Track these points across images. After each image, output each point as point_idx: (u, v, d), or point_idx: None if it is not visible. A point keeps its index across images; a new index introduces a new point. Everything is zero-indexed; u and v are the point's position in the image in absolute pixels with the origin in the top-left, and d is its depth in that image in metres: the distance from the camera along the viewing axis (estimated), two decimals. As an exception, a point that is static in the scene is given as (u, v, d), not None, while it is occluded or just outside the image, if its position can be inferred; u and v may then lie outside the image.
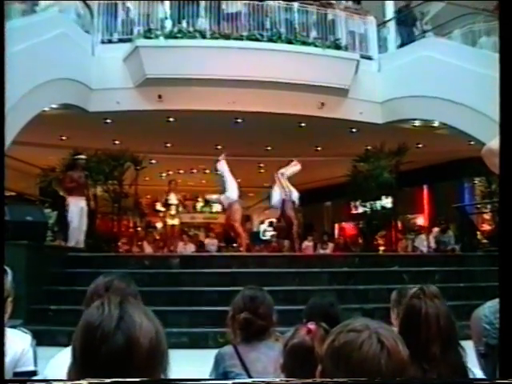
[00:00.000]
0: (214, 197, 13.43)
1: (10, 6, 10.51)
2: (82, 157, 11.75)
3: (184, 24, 12.81)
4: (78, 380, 1.13)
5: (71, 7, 12.54)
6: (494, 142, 2.04)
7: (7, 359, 2.14)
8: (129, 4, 13.22)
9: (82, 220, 11.02)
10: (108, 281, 2.55)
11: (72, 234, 10.88)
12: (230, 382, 2.65)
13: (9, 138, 9.13)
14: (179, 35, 12.38)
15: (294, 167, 12.77)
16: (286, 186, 12.31)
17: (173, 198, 13.47)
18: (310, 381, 1.38)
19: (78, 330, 1.19)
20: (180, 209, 13.79)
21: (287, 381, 1.94)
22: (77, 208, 10.98)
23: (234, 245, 13.41)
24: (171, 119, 13.51)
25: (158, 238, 16.62)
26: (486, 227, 15.11)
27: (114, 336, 1.14)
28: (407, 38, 13.97)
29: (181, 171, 19.23)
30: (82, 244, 10.92)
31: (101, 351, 1.12)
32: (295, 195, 12.40)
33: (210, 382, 2.08)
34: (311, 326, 2.11)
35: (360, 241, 16.45)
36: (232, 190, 11.88)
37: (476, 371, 2.17)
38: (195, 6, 13.04)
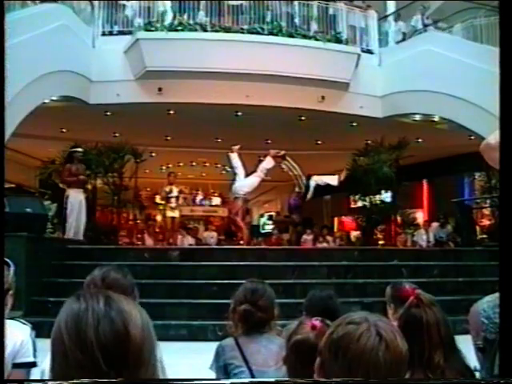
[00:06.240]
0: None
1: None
2: (79, 149, 11.67)
3: (185, 17, 12.79)
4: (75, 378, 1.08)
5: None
6: (492, 137, 2.04)
7: (7, 350, 2.14)
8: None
9: (80, 213, 11.00)
10: (104, 272, 2.55)
11: (71, 226, 10.86)
12: (229, 382, 2.65)
13: (9, 130, 9.11)
14: (180, 28, 12.37)
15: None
16: (302, 185, 12.40)
17: (172, 191, 13.45)
18: (312, 380, 1.38)
19: (63, 319, 1.11)
20: (180, 201, 13.78)
21: (289, 381, 1.93)
22: (76, 200, 10.96)
23: (234, 238, 13.39)
24: (171, 112, 13.49)
25: (157, 230, 16.61)
26: (486, 222, 15.10)
27: (107, 316, 1.09)
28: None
29: (181, 164, 19.21)
30: (80, 236, 10.91)
31: (98, 332, 1.07)
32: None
33: (210, 381, 2.07)
34: (316, 321, 2.04)
35: (359, 235, 16.44)
36: (243, 185, 11.79)
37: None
38: (196, -1, 13.02)
